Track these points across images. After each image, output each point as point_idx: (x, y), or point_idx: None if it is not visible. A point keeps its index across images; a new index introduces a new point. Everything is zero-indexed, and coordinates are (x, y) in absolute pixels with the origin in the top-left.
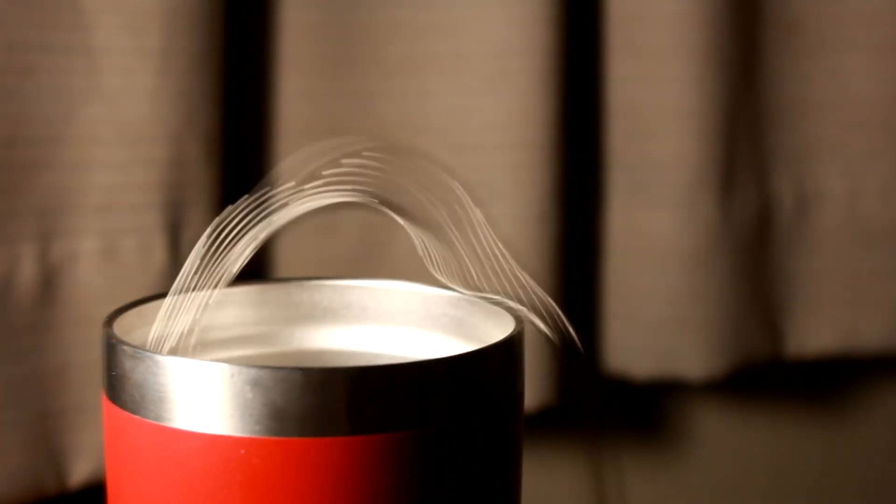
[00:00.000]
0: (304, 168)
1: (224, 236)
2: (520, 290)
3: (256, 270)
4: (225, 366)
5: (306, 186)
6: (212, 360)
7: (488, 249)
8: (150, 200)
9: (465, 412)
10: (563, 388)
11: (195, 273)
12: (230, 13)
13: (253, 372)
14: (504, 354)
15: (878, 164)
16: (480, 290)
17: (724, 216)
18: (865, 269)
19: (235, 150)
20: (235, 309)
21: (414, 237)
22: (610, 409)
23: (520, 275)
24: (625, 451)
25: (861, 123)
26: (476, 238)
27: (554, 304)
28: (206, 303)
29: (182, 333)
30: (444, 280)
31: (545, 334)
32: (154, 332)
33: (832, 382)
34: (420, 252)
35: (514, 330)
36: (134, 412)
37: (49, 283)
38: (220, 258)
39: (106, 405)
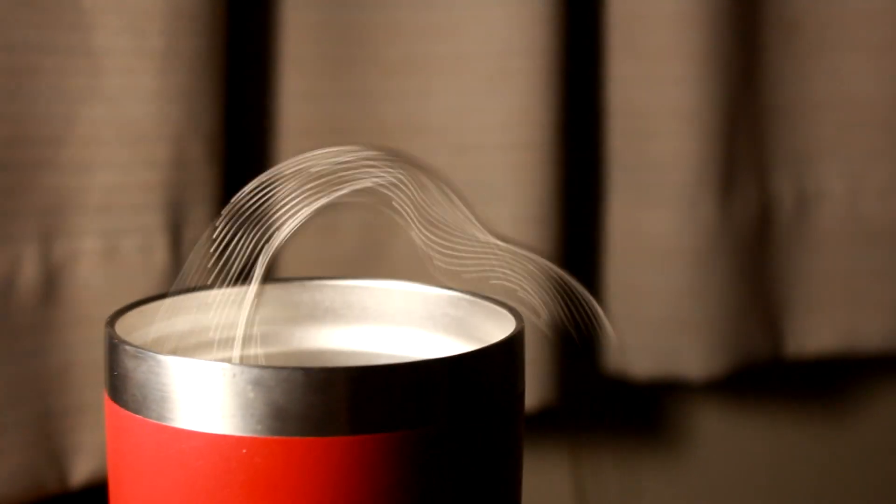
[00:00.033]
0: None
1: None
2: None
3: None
4: (227, 365)
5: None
6: (214, 360)
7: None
8: (151, 200)
9: (465, 412)
10: (563, 389)
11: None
12: (231, 14)
13: (255, 372)
14: (504, 354)
15: (878, 164)
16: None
17: (725, 216)
18: (865, 269)
19: (236, 150)
20: (236, 309)
21: (417, 237)
22: (610, 408)
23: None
24: (625, 451)
25: (861, 123)
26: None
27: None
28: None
29: (221, 326)
30: (445, 279)
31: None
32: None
33: (832, 382)
34: (424, 249)
35: (515, 330)
36: (136, 412)
37: (50, 283)
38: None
39: (108, 405)
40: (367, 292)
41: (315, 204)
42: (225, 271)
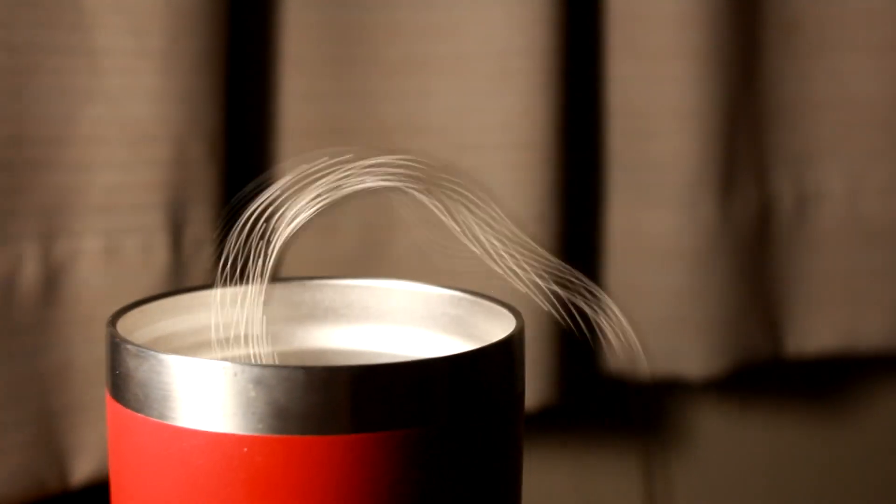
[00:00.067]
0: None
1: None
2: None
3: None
4: (228, 364)
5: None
6: (215, 359)
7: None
8: (152, 200)
9: (465, 411)
10: (563, 388)
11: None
12: (232, 13)
13: (256, 371)
14: (504, 353)
15: (878, 163)
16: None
17: (725, 216)
18: (865, 269)
19: (237, 150)
20: (238, 308)
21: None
22: (611, 408)
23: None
24: (625, 451)
25: (861, 123)
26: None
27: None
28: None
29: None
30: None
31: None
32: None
33: (832, 382)
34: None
35: (515, 329)
36: (138, 410)
37: (51, 283)
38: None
39: (110, 403)
40: (367, 292)
41: (320, 204)
42: (228, 270)
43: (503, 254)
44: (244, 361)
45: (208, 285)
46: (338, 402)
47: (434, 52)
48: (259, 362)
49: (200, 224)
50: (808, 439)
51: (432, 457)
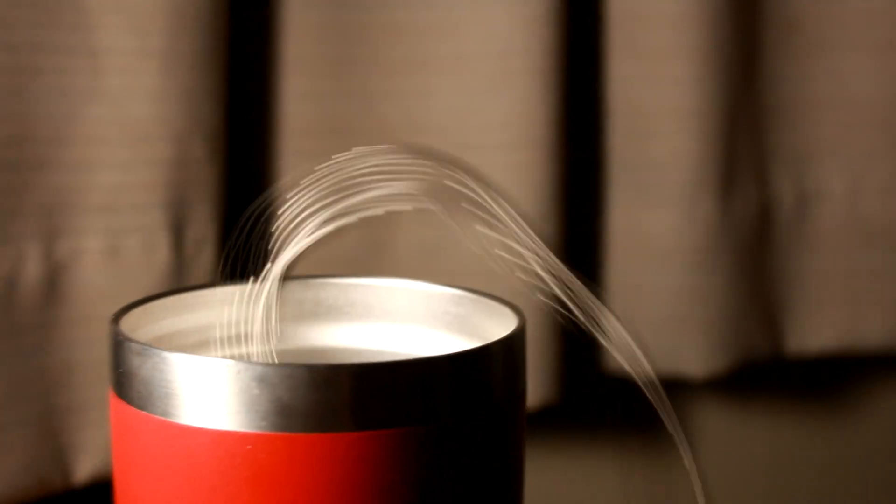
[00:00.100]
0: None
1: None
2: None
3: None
4: (231, 362)
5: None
6: (218, 357)
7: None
8: (153, 200)
9: (467, 409)
10: (564, 387)
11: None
12: (233, 13)
13: (259, 368)
14: (506, 352)
15: (879, 163)
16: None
17: (725, 215)
18: (865, 268)
19: (238, 150)
20: (241, 306)
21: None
22: (612, 407)
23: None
24: (626, 450)
25: (861, 123)
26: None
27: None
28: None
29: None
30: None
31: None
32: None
33: (833, 381)
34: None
35: (517, 327)
36: (141, 408)
37: (53, 282)
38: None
39: (113, 401)
40: (369, 290)
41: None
42: (237, 269)
43: (504, 254)
44: (247, 359)
45: (211, 284)
46: (340, 399)
47: (434, 51)
48: (262, 360)
49: (201, 223)
50: (809, 439)
51: (434, 455)
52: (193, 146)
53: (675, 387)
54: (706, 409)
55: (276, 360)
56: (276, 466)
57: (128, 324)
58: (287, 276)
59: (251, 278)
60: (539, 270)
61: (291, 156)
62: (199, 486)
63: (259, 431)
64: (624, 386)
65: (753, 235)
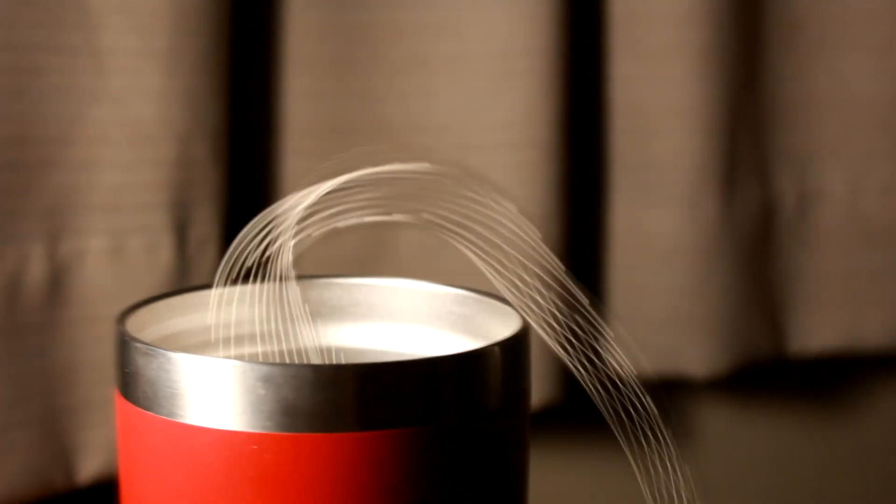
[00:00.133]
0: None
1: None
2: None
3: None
4: (237, 362)
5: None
6: (223, 357)
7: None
8: (157, 200)
9: (472, 409)
10: (565, 387)
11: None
12: (235, 14)
13: (264, 369)
14: (510, 352)
15: (879, 163)
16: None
17: (727, 215)
18: (867, 268)
19: (240, 150)
20: (246, 306)
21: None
22: (613, 407)
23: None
24: (629, 450)
25: (862, 123)
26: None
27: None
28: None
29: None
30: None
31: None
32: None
33: (834, 380)
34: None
35: (520, 328)
36: (146, 408)
37: (57, 282)
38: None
39: (119, 401)
40: (373, 290)
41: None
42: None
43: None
44: (253, 359)
45: (216, 284)
46: (345, 399)
47: (436, 51)
48: (267, 360)
49: (204, 223)
50: (810, 438)
51: (439, 454)
52: (196, 146)
53: (677, 386)
54: (707, 409)
55: (280, 361)
56: (281, 466)
57: (133, 324)
58: (291, 277)
59: (255, 278)
60: (539, 271)
61: (293, 156)
62: (204, 487)
63: (264, 431)
64: (624, 386)
65: (755, 235)
